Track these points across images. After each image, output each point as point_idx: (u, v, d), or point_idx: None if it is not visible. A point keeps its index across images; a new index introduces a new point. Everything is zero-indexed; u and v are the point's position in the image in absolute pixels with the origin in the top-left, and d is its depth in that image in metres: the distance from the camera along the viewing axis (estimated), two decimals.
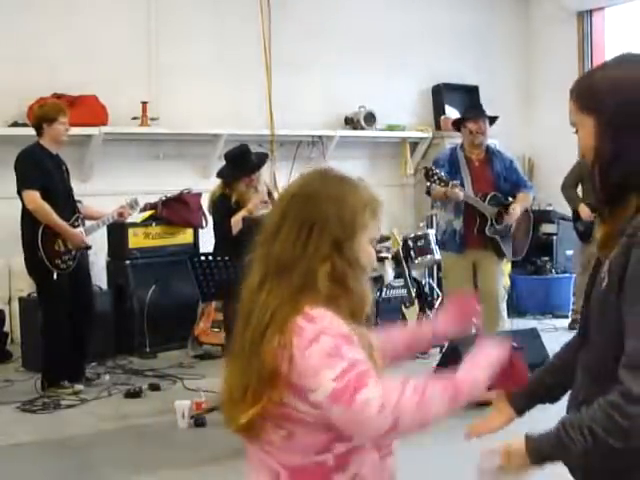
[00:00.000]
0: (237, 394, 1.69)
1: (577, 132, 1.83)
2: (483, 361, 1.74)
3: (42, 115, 5.82)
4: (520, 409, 2.03)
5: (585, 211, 7.38)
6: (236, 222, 5.47)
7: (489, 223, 6.04)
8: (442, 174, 5.85)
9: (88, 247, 6.02)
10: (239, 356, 1.72)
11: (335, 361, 1.59)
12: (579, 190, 7.69)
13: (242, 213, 5.48)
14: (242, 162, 5.64)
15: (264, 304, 1.70)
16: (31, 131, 6.03)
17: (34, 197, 5.67)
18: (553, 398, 2.04)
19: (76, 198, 6.13)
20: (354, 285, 1.74)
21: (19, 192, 5.73)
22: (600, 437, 1.63)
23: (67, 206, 5.88)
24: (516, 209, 6.09)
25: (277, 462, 1.73)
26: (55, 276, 5.72)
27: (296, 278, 1.70)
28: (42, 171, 5.72)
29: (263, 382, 1.65)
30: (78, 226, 5.90)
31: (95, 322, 6.24)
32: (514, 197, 6.23)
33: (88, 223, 6.10)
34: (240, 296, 1.78)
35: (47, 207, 5.68)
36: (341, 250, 1.72)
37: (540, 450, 1.75)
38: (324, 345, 1.61)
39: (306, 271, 1.70)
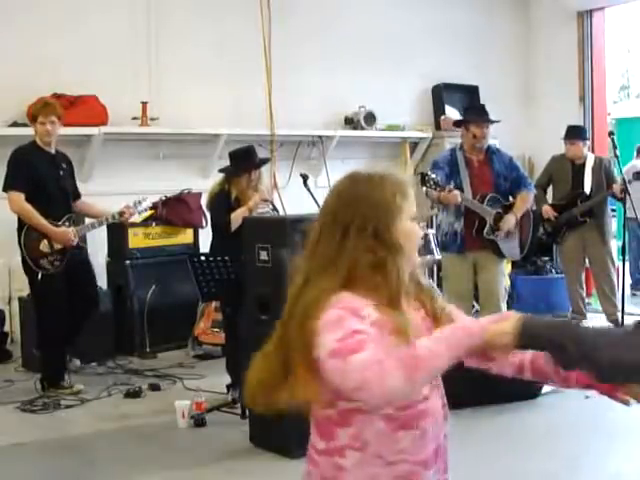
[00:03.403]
0: (275, 379, 1.90)
1: None
2: (458, 337, 1.77)
3: (30, 113, 5.94)
4: None
5: (547, 210, 7.45)
6: (236, 218, 5.48)
7: (488, 225, 6.04)
8: (438, 178, 5.84)
9: (77, 247, 5.95)
10: (279, 344, 1.93)
11: (337, 327, 1.79)
12: (550, 189, 7.77)
13: (243, 210, 5.50)
14: (246, 158, 5.69)
15: (309, 295, 1.89)
16: (31, 131, 6.04)
17: (17, 199, 5.70)
18: None
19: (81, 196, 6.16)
20: (392, 269, 1.90)
21: (4, 191, 5.77)
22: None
23: (59, 205, 5.86)
24: (510, 221, 6.07)
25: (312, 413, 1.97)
26: (39, 276, 5.72)
27: (339, 271, 1.90)
28: (33, 170, 5.73)
29: (308, 355, 1.84)
30: (70, 226, 5.88)
31: (95, 322, 6.24)
32: (515, 196, 6.22)
33: (88, 221, 6.10)
34: (287, 296, 1.99)
35: (29, 209, 5.69)
36: (381, 238, 1.90)
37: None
38: (330, 315, 1.82)
39: (348, 264, 1.90)
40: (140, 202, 6.20)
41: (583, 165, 7.47)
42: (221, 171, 5.87)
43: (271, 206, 5.75)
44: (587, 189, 7.41)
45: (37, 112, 5.83)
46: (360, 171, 2.03)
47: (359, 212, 1.91)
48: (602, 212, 7.50)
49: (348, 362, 1.73)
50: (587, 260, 7.73)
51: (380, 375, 1.69)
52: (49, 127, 5.78)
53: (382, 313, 1.86)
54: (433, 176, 5.85)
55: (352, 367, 1.72)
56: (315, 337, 1.81)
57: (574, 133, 7.58)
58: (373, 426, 1.86)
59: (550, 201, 7.74)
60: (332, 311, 1.82)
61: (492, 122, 6.22)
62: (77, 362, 6.34)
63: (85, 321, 6.06)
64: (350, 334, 1.76)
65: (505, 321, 1.79)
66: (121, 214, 6.11)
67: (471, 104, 8.14)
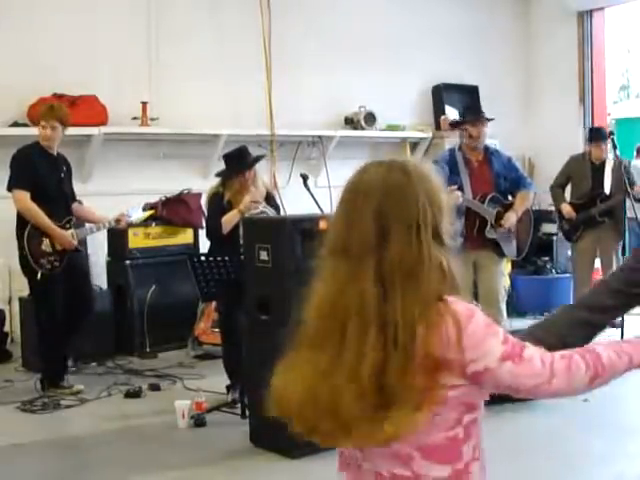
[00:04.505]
0: (367, 409, 1.68)
1: None
2: (634, 351, 1.82)
3: (34, 114, 5.90)
4: None
5: (567, 209, 7.46)
6: (227, 221, 5.49)
7: (489, 225, 6.04)
8: None
9: (77, 250, 5.96)
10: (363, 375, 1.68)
11: (495, 329, 1.74)
12: (568, 188, 7.77)
13: (234, 214, 5.48)
14: (237, 160, 5.68)
15: (403, 309, 1.68)
16: (31, 131, 6.05)
17: (22, 197, 5.69)
18: None
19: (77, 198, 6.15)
20: (453, 271, 1.77)
21: (9, 190, 5.76)
22: None
23: (60, 207, 5.86)
24: (511, 218, 6.08)
25: (410, 446, 1.74)
26: (39, 276, 5.72)
27: (428, 277, 1.71)
28: (35, 171, 5.73)
29: (428, 375, 1.68)
30: (69, 228, 5.88)
31: (95, 322, 6.24)
32: (514, 196, 6.22)
33: (87, 225, 6.10)
34: (355, 307, 1.71)
35: (34, 208, 5.68)
36: (441, 238, 1.77)
37: None
38: (480, 319, 1.74)
39: (434, 268, 1.72)
40: (130, 211, 6.19)
41: (603, 165, 7.47)
42: (217, 175, 5.86)
43: (263, 205, 5.69)
44: (607, 189, 7.41)
45: (40, 116, 5.84)
46: (395, 160, 1.82)
47: (421, 206, 1.73)
48: (620, 213, 7.47)
49: (528, 359, 1.73)
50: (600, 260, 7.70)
51: (569, 370, 1.74)
52: (49, 132, 5.78)
53: None
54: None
55: (535, 363, 1.73)
56: (460, 352, 1.68)
57: (599, 135, 7.56)
58: (480, 429, 1.83)
59: (568, 199, 7.72)
60: (479, 316, 1.74)
61: (487, 120, 6.23)
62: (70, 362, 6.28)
63: (81, 323, 6.04)
64: (505, 334, 1.75)
65: None
66: (117, 221, 6.10)
67: (466, 105, 8.13)
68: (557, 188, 7.62)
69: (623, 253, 7.40)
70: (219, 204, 5.60)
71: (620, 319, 6.78)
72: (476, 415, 1.80)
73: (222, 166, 5.93)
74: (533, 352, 1.75)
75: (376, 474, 1.77)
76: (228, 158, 5.77)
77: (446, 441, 1.75)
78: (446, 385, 1.71)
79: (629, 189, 7.00)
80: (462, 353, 1.69)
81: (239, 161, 5.68)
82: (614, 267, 7.50)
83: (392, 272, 1.70)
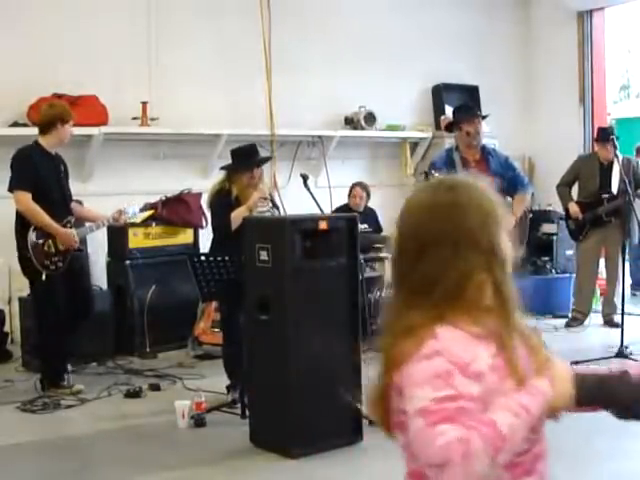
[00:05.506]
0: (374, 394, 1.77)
1: None
2: (536, 406, 1.64)
3: (58, 114, 5.79)
4: None
5: (574, 209, 7.45)
6: (236, 217, 5.47)
7: None
8: None
9: (79, 249, 5.97)
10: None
11: (441, 384, 1.58)
12: (575, 187, 7.77)
13: (243, 210, 5.47)
14: (249, 156, 5.67)
15: (406, 318, 1.68)
16: (31, 131, 6.04)
17: (24, 198, 5.67)
18: None
19: (76, 199, 6.15)
20: (507, 289, 1.71)
21: (10, 191, 5.75)
22: None
23: (60, 207, 5.85)
24: (509, 221, 6.06)
25: (406, 467, 1.77)
26: (44, 277, 5.72)
27: (444, 292, 1.67)
28: (37, 171, 5.71)
29: (386, 385, 1.71)
30: (70, 228, 5.88)
31: (95, 322, 6.24)
32: (511, 196, 6.22)
33: (87, 224, 6.10)
34: (385, 316, 1.78)
35: (37, 209, 5.67)
36: (495, 256, 1.69)
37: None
38: (435, 365, 1.60)
39: (457, 284, 1.67)
40: (128, 208, 6.18)
41: (611, 164, 7.47)
42: (223, 169, 5.84)
43: (271, 204, 5.71)
44: (614, 189, 7.41)
45: (69, 115, 5.80)
46: (445, 178, 1.79)
47: (470, 223, 1.67)
48: (627, 213, 7.45)
49: (436, 432, 1.54)
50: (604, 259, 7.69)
51: (466, 457, 1.51)
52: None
53: (497, 349, 1.66)
54: (436, 175, 5.82)
55: (438, 441, 1.53)
56: (400, 373, 1.64)
57: (606, 135, 7.56)
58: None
59: (575, 198, 7.71)
60: (439, 361, 1.60)
61: (483, 117, 6.23)
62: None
63: (80, 323, 6.04)
64: (452, 397, 1.57)
65: (562, 383, 1.69)
66: (115, 219, 6.10)
67: (458, 105, 8.09)
68: (564, 187, 7.61)
69: (623, 253, 7.39)
70: (226, 200, 5.58)
71: (620, 319, 6.80)
72: None
73: (222, 166, 5.93)
74: (452, 432, 1.53)
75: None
76: (236, 153, 5.75)
77: (419, 472, 1.68)
78: (401, 410, 1.67)
79: (629, 189, 7.01)
80: (403, 383, 1.65)
81: (248, 158, 5.67)
82: (619, 267, 7.51)
83: (415, 284, 1.69)
